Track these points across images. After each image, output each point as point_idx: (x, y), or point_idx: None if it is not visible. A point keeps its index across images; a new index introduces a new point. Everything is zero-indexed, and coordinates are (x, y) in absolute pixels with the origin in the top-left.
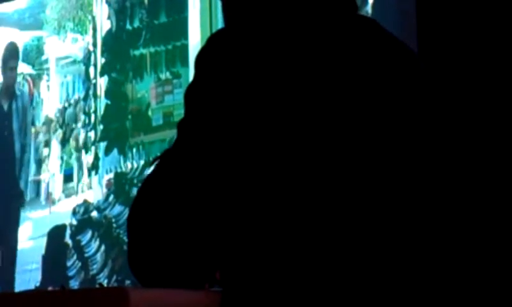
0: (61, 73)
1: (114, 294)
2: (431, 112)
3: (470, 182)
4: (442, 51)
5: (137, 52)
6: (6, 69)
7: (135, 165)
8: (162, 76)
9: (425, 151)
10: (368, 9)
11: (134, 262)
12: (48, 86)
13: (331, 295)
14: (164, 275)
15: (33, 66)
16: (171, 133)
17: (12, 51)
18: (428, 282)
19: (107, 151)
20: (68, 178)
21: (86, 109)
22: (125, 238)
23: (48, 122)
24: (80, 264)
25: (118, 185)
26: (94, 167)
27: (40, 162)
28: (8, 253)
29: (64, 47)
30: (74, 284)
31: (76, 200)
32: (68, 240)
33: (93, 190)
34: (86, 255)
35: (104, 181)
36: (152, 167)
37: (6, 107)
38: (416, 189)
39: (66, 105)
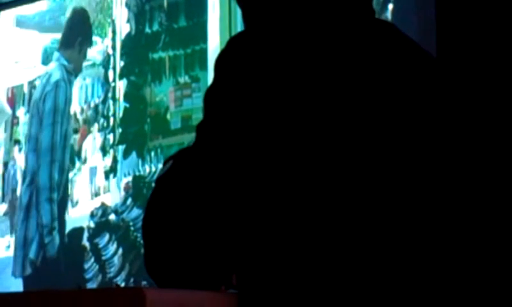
0: (80, 76)
1: (130, 294)
2: (446, 117)
3: (478, 187)
4: (461, 58)
5: (156, 56)
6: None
7: (153, 168)
8: (181, 80)
9: (435, 156)
10: (388, 15)
11: (150, 264)
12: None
13: (348, 300)
14: (180, 277)
15: None
16: (190, 137)
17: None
18: (431, 283)
19: (126, 154)
20: None
21: (105, 112)
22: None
23: None
24: (97, 267)
25: (136, 188)
26: (112, 170)
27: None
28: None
29: None
30: (91, 286)
31: (94, 203)
32: (85, 242)
33: (111, 193)
34: (104, 258)
35: (122, 185)
36: (165, 168)
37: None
38: (422, 193)
39: (85, 107)
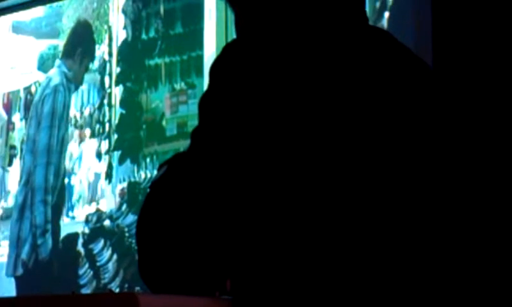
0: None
1: (123, 299)
2: (442, 123)
3: (475, 189)
4: (457, 66)
5: (152, 62)
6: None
7: (148, 175)
8: (177, 86)
9: (431, 161)
10: (384, 23)
11: (144, 269)
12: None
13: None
14: (174, 283)
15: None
16: (185, 144)
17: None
18: (430, 283)
19: (121, 160)
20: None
21: (101, 118)
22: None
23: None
24: (92, 273)
25: (131, 194)
26: (107, 176)
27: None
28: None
29: None
30: (86, 292)
31: (89, 208)
32: (80, 248)
33: (106, 199)
34: (98, 264)
35: (117, 191)
36: (159, 173)
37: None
38: (421, 194)
39: (81, 114)
